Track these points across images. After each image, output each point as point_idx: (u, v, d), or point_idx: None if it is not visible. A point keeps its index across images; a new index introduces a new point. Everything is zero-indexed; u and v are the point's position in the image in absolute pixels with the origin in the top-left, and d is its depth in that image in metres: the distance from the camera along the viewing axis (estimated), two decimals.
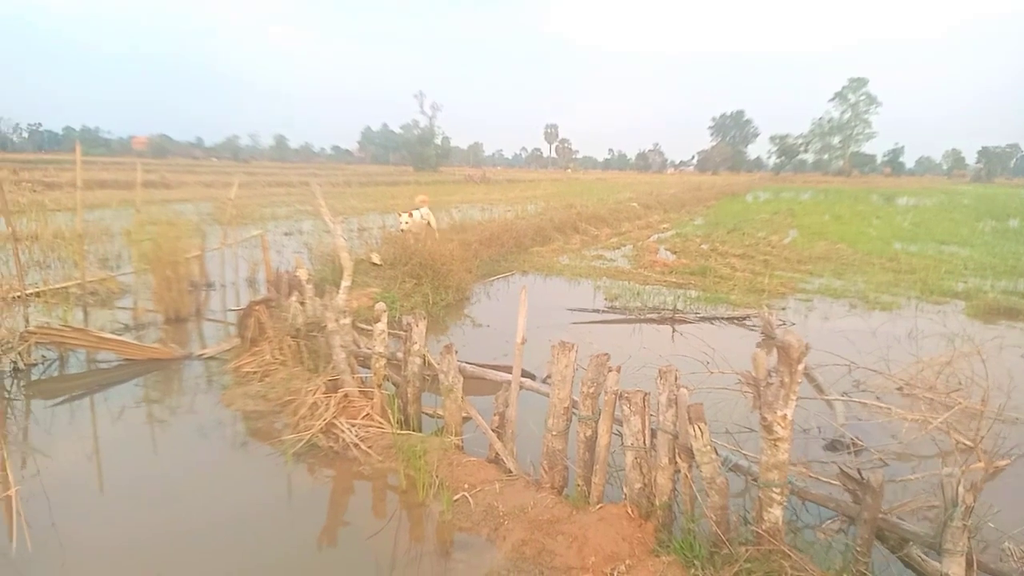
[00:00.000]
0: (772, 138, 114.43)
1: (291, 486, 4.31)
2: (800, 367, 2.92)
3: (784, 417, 2.97)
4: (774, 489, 3.06)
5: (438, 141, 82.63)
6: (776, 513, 3.08)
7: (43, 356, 6.44)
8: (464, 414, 4.67)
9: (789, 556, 2.99)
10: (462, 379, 4.62)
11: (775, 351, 3.15)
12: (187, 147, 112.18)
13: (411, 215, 11.03)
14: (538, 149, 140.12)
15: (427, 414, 5.12)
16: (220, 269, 10.03)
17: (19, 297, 6.76)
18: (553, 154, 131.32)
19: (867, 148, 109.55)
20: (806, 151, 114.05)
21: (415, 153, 77.75)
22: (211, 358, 6.59)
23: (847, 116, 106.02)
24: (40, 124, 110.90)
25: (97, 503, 4.08)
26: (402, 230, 10.86)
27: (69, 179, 23.92)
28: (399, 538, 3.76)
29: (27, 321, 6.51)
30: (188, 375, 6.28)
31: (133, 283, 8.85)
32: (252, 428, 5.09)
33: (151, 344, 6.71)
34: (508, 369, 5.34)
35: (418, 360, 4.91)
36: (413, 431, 4.86)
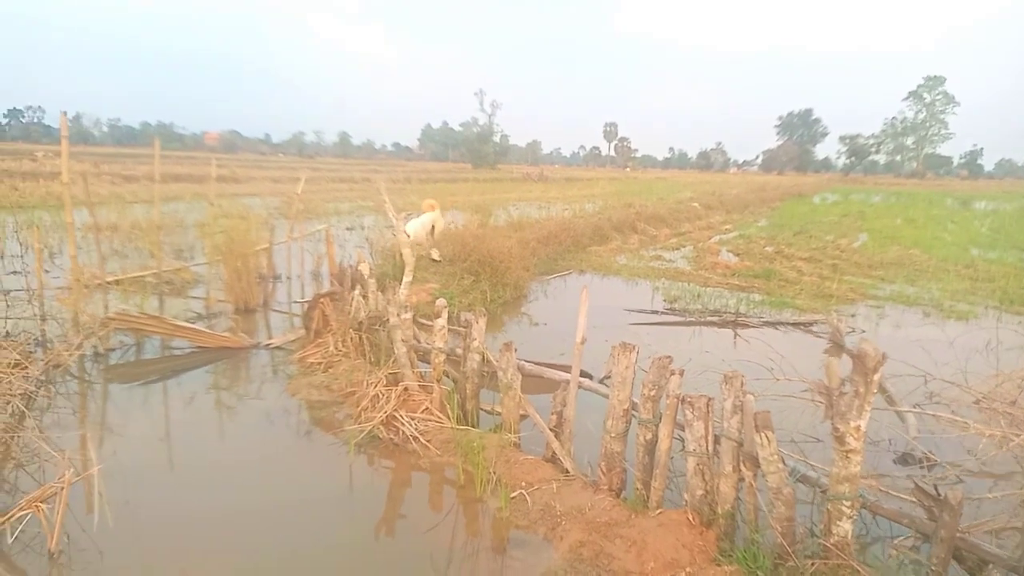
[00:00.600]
0: (842, 138, 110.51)
1: (352, 475, 4.41)
2: (876, 377, 2.81)
3: (857, 428, 2.87)
4: (844, 502, 2.95)
5: (496, 139, 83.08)
6: (846, 527, 2.97)
7: (121, 341, 6.76)
8: (522, 412, 4.67)
9: (859, 572, 2.88)
10: (520, 377, 4.63)
11: (844, 359, 3.05)
12: (255, 143, 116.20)
13: (409, 221, 9.26)
14: (596, 147, 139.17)
15: (485, 411, 5.15)
16: (286, 262, 10.32)
17: (100, 284, 7.13)
18: (612, 153, 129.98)
19: (943, 150, 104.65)
20: (877, 152, 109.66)
21: (474, 151, 78.26)
22: (277, 348, 6.80)
23: (922, 116, 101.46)
24: (119, 119, 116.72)
25: (168, 483, 4.26)
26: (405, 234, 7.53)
27: (146, 172, 25.12)
28: (456, 533, 3.79)
29: (107, 308, 6.85)
30: (256, 364, 6.50)
31: (205, 273, 9.21)
32: (316, 417, 5.23)
33: (222, 333, 6.97)
34: (566, 368, 5.33)
35: (477, 357, 4.95)
36: (471, 427, 4.90)
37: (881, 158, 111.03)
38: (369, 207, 20.26)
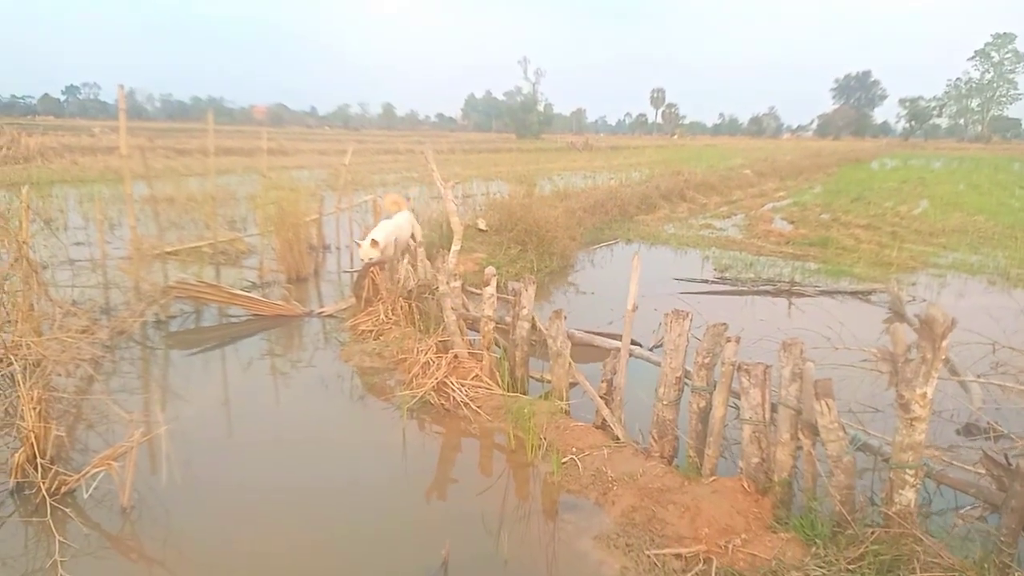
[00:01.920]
0: (902, 101, 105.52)
1: (405, 440, 4.48)
2: (944, 343, 2.70)
3: (923, 396, 2.77)
4: (908, 471, 2.86)
5: (540, 108, 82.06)
6: (908, 496, 2.89)
7: (181, 309, 6.99)
8: (571, 379, 4.66)
9: (921, 541, 2.80)
10: (570, 344, 4.61)
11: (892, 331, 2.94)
12: (302, 116, 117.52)
13: (373, 241, 6.60)
14: (643, 115, 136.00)
15: (534, 378, 5.16)
16: (335, 232, 10.46)
17: (159, 255, 7.36)
18: (659, 120, 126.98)
19: (1011, 111, 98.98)
20: (940, 115, 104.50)
21: (517, 120, 77.57)
22: (329, 316, 6.93)
23: (989, 76, 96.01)
24: (171, 94, 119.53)
25: (227, 445, 4.42)
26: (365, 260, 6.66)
27: (198, 146, 25.72)
28: (507, 496, 3.83)
29: (166, 277, 7.08)
30: (309, 331, 6.65)
31: (258, 244, 9.41)
32: (368, 383, 5.33)
33: (275, 301, 7.14)
34: (615, 336, 5.29)
35: (526, 324, 4.94)
36: (520, 394, 4.92)
37: (943, 121, 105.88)
38: (414, 178, 20.33)
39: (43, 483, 3.39)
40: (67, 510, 3.39)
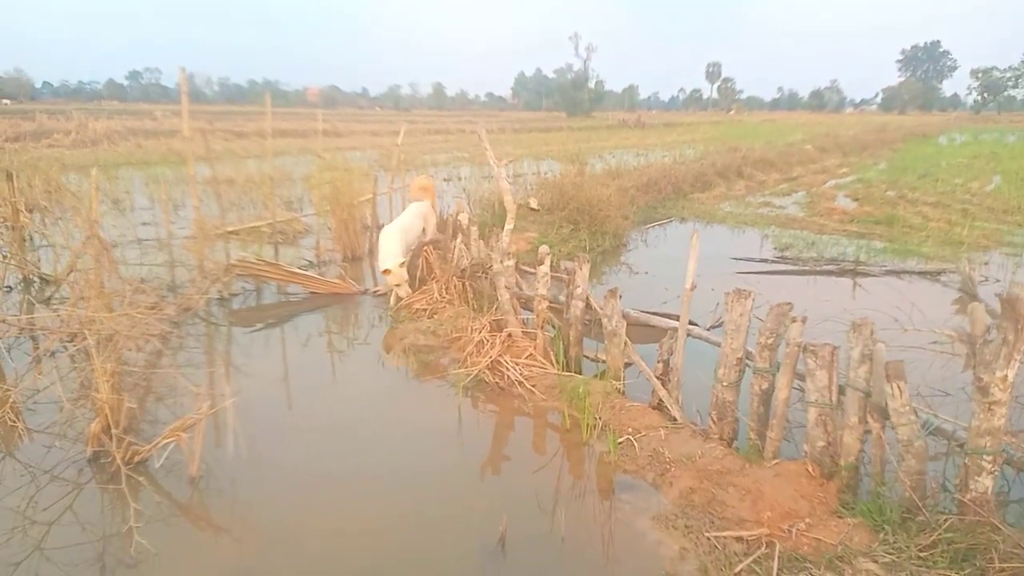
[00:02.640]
0: (973, 72, 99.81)
1: (460, 417, 4.52)
2: None
3: (1004, 379, 2.63)
4: (985, 457, 2.73)
5: (591, 85, 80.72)
6: (986, 483, 2.76)
7: (242, 287, 7.19)
8: (627, 359, 4.61)
9: (1000, 530, 2.68)
10: (625, 324, 4.55)
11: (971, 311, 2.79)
12: (354, 97, 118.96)
13: (386, 271, 6.40)
14: (698, 90, 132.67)
15: (588, 358, 5.12)
16: (388, 212, 10.56)
17: (221, 234, 7.58)
18: (714, 95, 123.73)
19: None
20: (1015, 86, 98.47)
21: (568, 98, 76.58)
22: (384, 294, 7.02)
23: None
24: (228, 78, 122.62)
25: (288, 419, 4.53)
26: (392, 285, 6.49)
27: (255, 128, 26.28)
28: (562, 475, 3.83)
29: (228, 256, 7.29)
30: (365, 309, 6.75)
31: (314, 224, 9.58)
32: (423, 361, 5.38)
33: (332, 279, 7.27)
34: (671, 316, 5.20)
35: (580, 304, 4.90)
36: (575, 373, 4.89)
37: (1019, 93, 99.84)
38: (465, 158, 20.36)
39: (117, 452, 3.55)
40: (140, 478, 3.54)
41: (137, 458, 3.63)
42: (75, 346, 4.80)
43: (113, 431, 3.68)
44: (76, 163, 15.13)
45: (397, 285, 6.39)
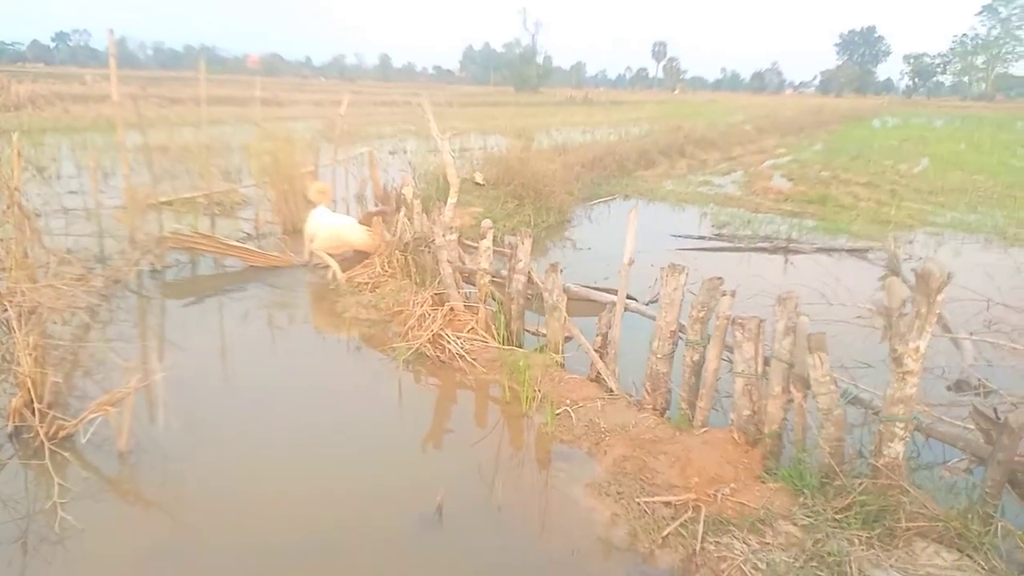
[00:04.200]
0: (906, 57, 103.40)
1: (401, 390, 4.53)
2: (940, 297, 2.71)
3: (916, 350, 2.79)
4: (898, 424, 2.90)
5: (539, 60, 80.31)
6: (897, 448, 2.93)
7: (176, 259, 6.96)
8: (566, 333, 4.69)
9: (908, 492, 2.87)
10: (566, 298, 4.62)
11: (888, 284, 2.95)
12: (297, 66, 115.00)
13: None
14: (644, 69, 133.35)
15: (529, 332, 5.18)
16: (331, 184, 10.34)
17: (153, 204, 7.30)
18: (660, 74, 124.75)
19: (1016, 69, 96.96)
20: (944, 72, 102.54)
21: (516, 73, 75.93)
22: (325, 267, 6.90)
23: (995, 32, 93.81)
24: (163, 42, 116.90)
25: (224, 394, 4.46)
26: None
27: (191, 95, 25.17)
28: (502, 446, 3.89)
29: (161, 227, 7.03)
30: (304, 282, 6.63)
31: (253, 195, 9.32)
32: (364, 335, 5.35)
33: (271, 252, 7.11)
34: (611, 291, 5.30)
35: (522, 278, 4.94)
36: (516, 347, 4.94)
37: (947, 79, 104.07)
38: (411, 131, 20.06)
39: (41, 427, 3.43)
40: (65, 454, 3.43)
41: (62, 433, 3.51)
42: None
43: (36, 406, 3.54)
44: None
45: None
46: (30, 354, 3.58)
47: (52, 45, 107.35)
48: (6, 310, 3.94)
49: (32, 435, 3.47)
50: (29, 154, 11.00)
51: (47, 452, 3.29)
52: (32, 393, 3.57)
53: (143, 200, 7.06)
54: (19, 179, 5.96)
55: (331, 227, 6.73)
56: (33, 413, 3.53)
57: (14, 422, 3.58)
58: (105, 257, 6.66)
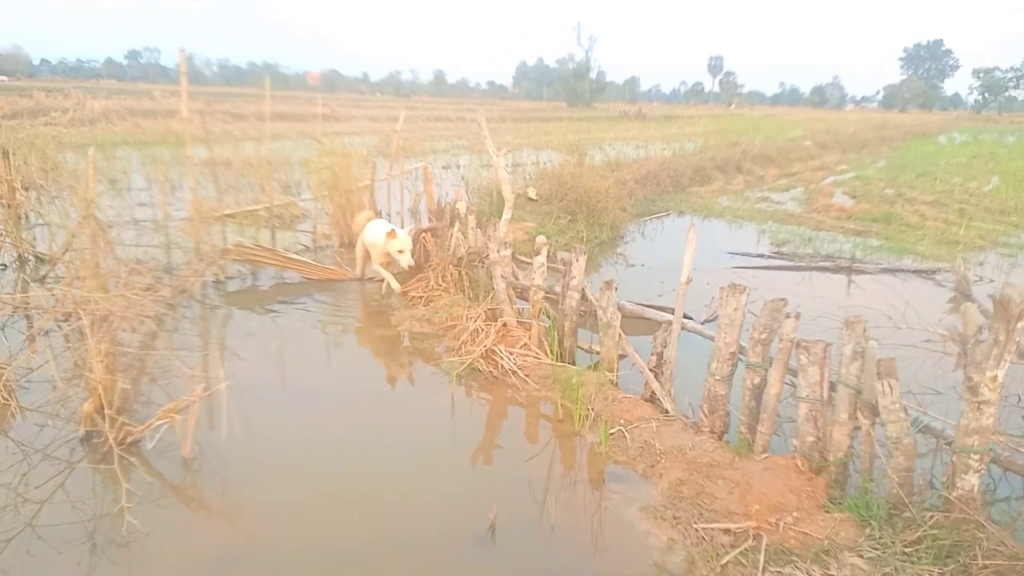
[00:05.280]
0: (975, 72, 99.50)
1: (453, 405, 4.54)
2: (1020, 324, 2.57)
3: (994, 379, 2.65)
4: (972, 455, 2.75)
5: (593, 75, 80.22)
6: (972, 480, 2.79)
7: (239, 271, 7.18)
8: (620, 351, 4.63)
9: (984, 527, 2.71)
10: (620, 316, 4.57)
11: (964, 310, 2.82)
12: (354, 82, 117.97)
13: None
14: (700, 83, 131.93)
15: (582, 349, 5.15)
16: (386, 199, 10.53)
17: (217, 217, 7.56)
18: (716, 88, 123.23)
19: None
20: (1017, 87, 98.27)
21: (569, 88, 75.95)
22: (380, 281, 7.01)
23: None
24: (228, 59, 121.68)
25: (282, 404, 4.53)
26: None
27: (254, 111, 26.11)
28: (553, 464, 3.85)
29: (225, 239, 7.27)
30: (359, 296, 6.75)
31: (312, 209, 9.56)
32: (418, 348, 5.40)
33: (328, 266, 7.26)
34: (666, 309, 5.22)
35: (576, 295, 4.91)
36: (568, 364, 4.91)
37: (1019, 94, 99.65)
38: (464, 146, 20.29)
39: (110, 432, 3.55)
40: (132, 459, 3.55)
41: (130, 439, 3.64)
42: (69, 326, 4.80)
43: (106, 411, 3.68)
44: (73, 142, 15.03)
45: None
46: (101, 361, 3.72)
47: (124, 62, 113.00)
48: (80, 318, 4.11)
49: (102, 440, 3.61)
50: (102, 167, 11.58)
51: (115, 457, 3.41)
52: (102, 399, 3.71)
53: (208, 213, 7.31)
54: (94, 192, 6.27)
55: (372, 225, 6.85)
56: (103, 418, 3.66)
57: (85, 426, 3.73)
58: (172, 268, 6.92)
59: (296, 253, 7.48)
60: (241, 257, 6.99)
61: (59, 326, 5.13)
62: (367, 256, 6.95)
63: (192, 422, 3.60)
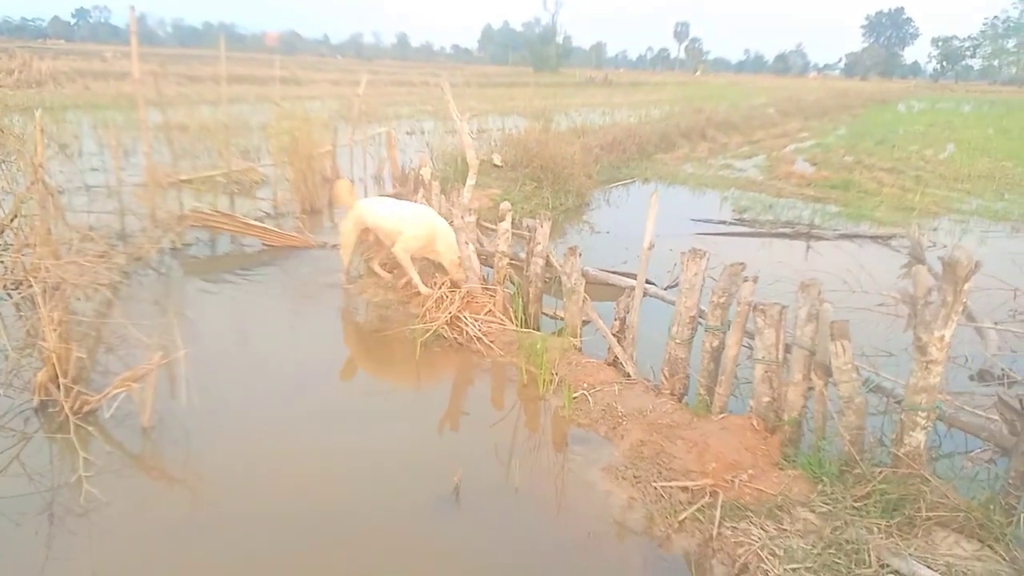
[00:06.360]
0: (934, 40, 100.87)
1: (418, 372, 4.54)
2: (966, 286, 2.66)
3: (941, 338, 2.74)
4: (920, 413, 2.87)
5: (559, 40, 79.37)
6: (919, 437, 2.90)
7: (196, 237, 7.02)
8: (584, 317, 4.67)
9: (929, 481, 2.84)
10: (584, 282, 4.60)
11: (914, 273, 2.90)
12: (315, 44, 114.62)
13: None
14: (665, 49, 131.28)
15: (547, 315, 5.18)
16: (349, 165, 10.34)
17: (173, 183, 7.34)
18: (681, 55, 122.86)
19: None
20: (973, 56, 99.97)
21: (535, 53, 75.02)
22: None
23: None
24: (182, 19, 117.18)
25: (243, 372, 4.50)
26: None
27: (210, 73, 25.25)
28: (518, 429, 3.90)
29: (181, 205, 7.08)
30: (323, 263, 6.65)
31: (272, 175, 9.35)
32: (382, 315, 5.37)
33: (289, 232, 7.14)
34: (630, 275, 5.27)
35: (541, 261, 4.92)
36: (533, 330, 4.94)
37: (977, 63, 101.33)
38: (429, 111, 19.97)
39: (66, 402, 3.48)
40: (90, 429, 3.49)
41: (86, 408, 3.57)
42: (20, 294, 4.64)
43: (61, 381, 3.60)
44: (19, 104, 14.30)
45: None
46: (54, 330, 3.63)
47: (73, 21, 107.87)
48: (31, 286, 3.98)
49: (57, 409, 3.54)
50: (51, 131, 11.09)
51: (72, 426, 3.35)
52: (57, 368, 3.62)
53: (163, 178, 7.10)
54: (42, 156, 6.01)
55: (425, 223, 5.45)
56: (58, 388, 3.59)
57: (39, 396, 3.65)
58: (126, 234, 6.73)
59: (256, 220, 7.32)
60: (199, 223, 6.83)
61: (9, 294, 4.96)
62: (370, 241, 5.96)
63: (150, 391, 3.55)
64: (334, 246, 6.99)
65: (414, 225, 5.40)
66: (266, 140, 10.64)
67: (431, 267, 5.80)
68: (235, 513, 3.04)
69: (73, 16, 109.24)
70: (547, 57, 72.99)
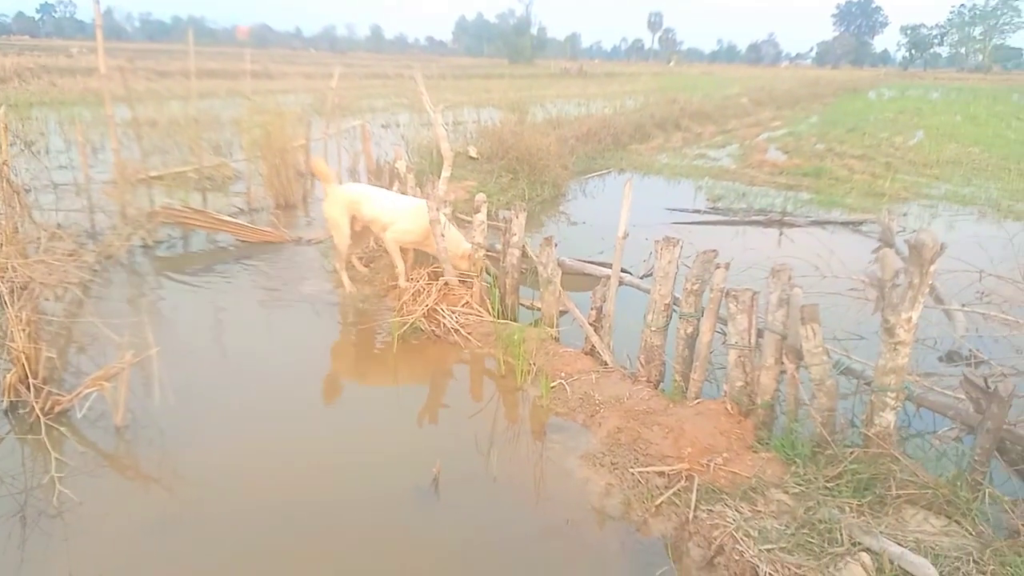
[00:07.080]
0: (903, 29, 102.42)
1: (396, 365, 4.54)
2: (932, 268, 2.72)
3: (908, 320, 2.81)
4: (889, 394, 2.93)
5: (534, 31, 79.21)
6: (888, 418, 2.97)
7: (168, 235, 6.92)
8: (561, 307, 4.69)
9: (898, 460, 2.91)
10: (560, 272, 4.62)
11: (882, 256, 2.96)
12: (287, 37, 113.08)
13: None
14: (640, 40, 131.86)
15: (524, 306, 5.19)
16: (324, 159, 10.24)
17: (143, 179, 7.23)
18: (656, 45, 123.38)
19: (1014, 40, 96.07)
20: (941, 43, 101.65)
21: (510, 44, 74.78)
22: (319, 243, 6.87)
23: (993, 3, 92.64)
24: (150, 13, 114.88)
25: (219, 369, 4.47)
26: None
27: (180, 68, 24.82)
28: (497, 419, 3.92)
29: (152, 202, 6.98)
30: (298, 258, 6.61)
31: (245, 170, 9.23)
32: (359, 309, 5.35)
33: (263, 227, 7.06)
34: (606, 265, 5.30)
35: (517, 252, 4.93)
36: (511, 321, 4.95)
37: (944, 50, 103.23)
38: (403, 104, 19.83)
39: (36, 402, 3.43)
40: (62, 429, 3.44)
41: (58, 408, 3.52)
42: None
43: (31, 381, 3.54)
44: None
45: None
46: (23, 329, 3.56)
47: (37, 16, 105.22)
48: None
49: (28, 410, 3.48)
50: (16, 128, 10.83)
51: (43, 427, 3.29)
52: (27, 368, 3.56)
53: (133, 175, 6.99)
54: (7, 153, 5.89)
55: (423, 217, 5.13)
56: (28, 388, 3.53)
57: (9, 397, 3.59)
58: (96, 232, 6.61)
59: (230, 216, 7.24)
60: (170, 220, 6.74)
61: None
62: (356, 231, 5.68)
63: (123, 390, 3.51)
64: (309, 241, 6.95)
65: (413, 219, 5.32)
66: (238, 135, 10.50)
67: (424, 259, 5.78)
68: (212, 511, 3.02)
69: (38, 11, 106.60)
70: (522, 48, 72.81)
